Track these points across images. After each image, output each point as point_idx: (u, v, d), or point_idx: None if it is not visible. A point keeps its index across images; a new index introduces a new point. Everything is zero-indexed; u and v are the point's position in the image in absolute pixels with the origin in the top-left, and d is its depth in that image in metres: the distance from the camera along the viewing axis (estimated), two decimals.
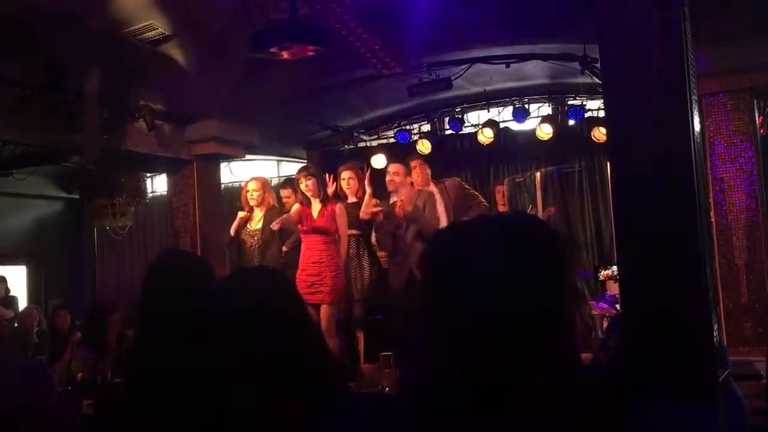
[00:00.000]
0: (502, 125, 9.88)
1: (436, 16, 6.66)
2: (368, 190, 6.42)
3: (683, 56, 3.10)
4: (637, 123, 3.15)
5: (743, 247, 6.86)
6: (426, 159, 7.81)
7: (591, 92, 8.90)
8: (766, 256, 6.86)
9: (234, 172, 11.37)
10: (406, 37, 7.06)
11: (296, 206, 6.25)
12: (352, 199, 6.59)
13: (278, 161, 11.93)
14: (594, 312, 7.84)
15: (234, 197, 10.72)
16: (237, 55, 7.18)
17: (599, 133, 8.75)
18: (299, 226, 6.14)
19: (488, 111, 10.00)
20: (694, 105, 3.17)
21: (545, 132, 9.21)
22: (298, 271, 6.03)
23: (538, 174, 8.93)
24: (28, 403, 2.51)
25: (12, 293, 10.30)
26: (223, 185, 10.31)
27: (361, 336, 6.66)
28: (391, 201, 6.63)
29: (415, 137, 10.16)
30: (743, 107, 6.93)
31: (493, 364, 1.06)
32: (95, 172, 10.62)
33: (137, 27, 6.95)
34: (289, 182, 7.20)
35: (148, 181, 12.16)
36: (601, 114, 8.38)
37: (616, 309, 7.24)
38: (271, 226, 6.23)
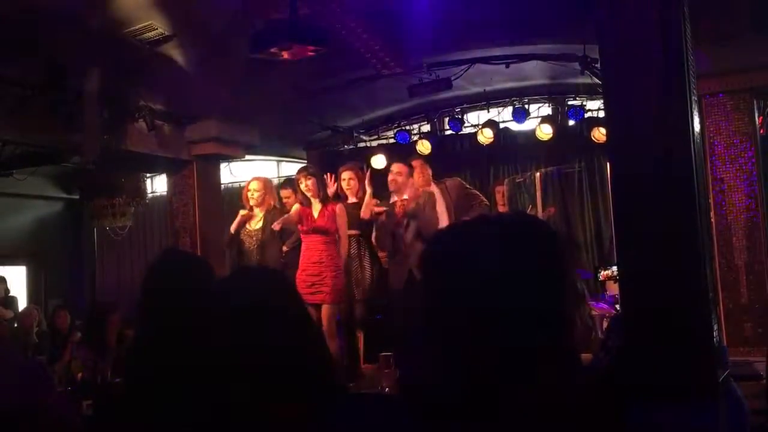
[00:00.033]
0: (501, 125, 9.88)
1: (436, 16, 6.66)
2: (368, 190, 6.42)
3: (683, 56, 3.10)
4: (636, 123, 3.15)
5: (743, 248, 6.86)
6: (426, 159, 7.81)
7: (591, 92, 8.90)
8: (765, 256, 6.86)
9: (234, 173, 11.37)
10: (406, 37, 7.06)
11: (296, 206, 6.25)
12: (352, 200, 6.59)
13: (278, 161, 11.93)
14: (594, 312, 7.84)
15: (234, 197, 10.73)
16: (237, 56, 7.18)
17: (599, 134, 8.75)
18: (299, 226, 6.15)
19: (488, 111, 10.00)
20: (693, 105, 3.17)
21: (545, 132, 9.21)
22: (298, 271, 6.04)
23: (537, 174, 8.94)
24: (28, 404, 2.51)
25: (12, 293, 10.30)
26: (223, 185, 10.31)
27: (360, 336, 6.66)
28: (391, 201, 6.63)
29: (415, 137, 10.16)
30: (743, 107, 6.93)
31: (492, 365, 1.06)
32: (95, 172, 10.63)
33: (137, 27, 6.94)
34: (289, 182, 7.20)
35: (148, 181, 12.17)
36: (601, 114, 8.38)
37: (615, 309, 7.24)
38: (272, 226, 6.23)
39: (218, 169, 9.81)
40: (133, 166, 10.48)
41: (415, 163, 6.90)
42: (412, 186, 6.56)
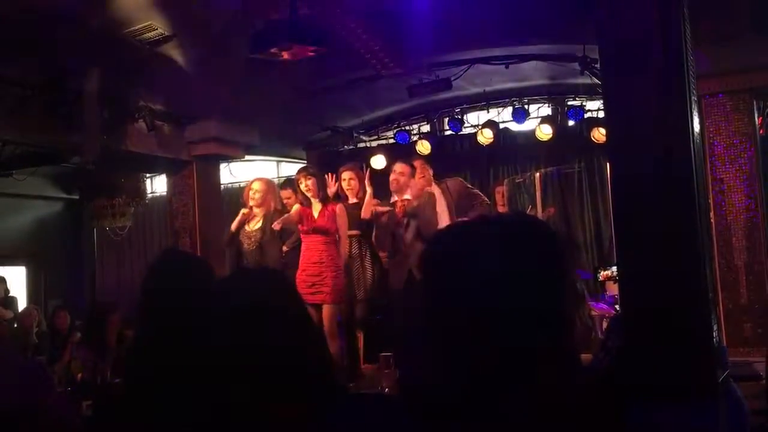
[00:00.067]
0: (501, 126, 9.88)
1: (436, 16, 6.66)
2: (369, 190, 6.42)
3: (683, 57, 3.11)
4: (636, 124, 3.15)
5: (743, 248, 6.86)
6: (426, 159, 7.80)
7: (591, 93, 8.90)
8: (765, 256, 6.86)
9: (234, 173, 11.37)
10: (406, 37, 7.06)
11: (297, 206, 6.25)
12: (353, 200, 6.59)
13: (278, 162, 11.93)
14: (593, 313, 7.84)
15: (234, 198, 10.74)
16: (237, 56, 7.18)
17: (599, 134, 8.75)
18: (300, 226, 6.14)
19: (488, 112, 10.01)
20: (693, 106, 3.18)
21: (545, 133, 9.21)
22: (298, 272, 6.03)
23: (537, 175, 8.94)
24: (28, 404, 2.51)
25: (11, 294, 10.30)
26: (222, 186, 10.31)
27: (360, 336, 6.66)
28: (392, 201, 6.63)
29: (415, 138, 10.16)
30: (743, 108, 6.93)
31: (492, 365, 1.06)
32: (95, 172, 10.64)
33: (137, 27, 6.94)
34: (290, 183, 7.18)
35: (148, 181, 12.17)
36: (601, 115, 8.38)
37: (615, 309, 7.24)
38: (272, 225, 6.22)
39: (218, 170, 9.81)
40: (133, 167, 10.49)
41: (417, 163, 6.90)
42: (415, 186, 6.56)
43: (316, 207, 6.13)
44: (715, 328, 3.12)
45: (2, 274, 10.35)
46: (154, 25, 6.96)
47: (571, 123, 9.60)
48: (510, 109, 9.76)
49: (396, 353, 5.64)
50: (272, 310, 1.50)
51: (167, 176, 9.89)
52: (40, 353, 7.68)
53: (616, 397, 1.18)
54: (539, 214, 8.19)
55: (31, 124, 7.23)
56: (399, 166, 6.65)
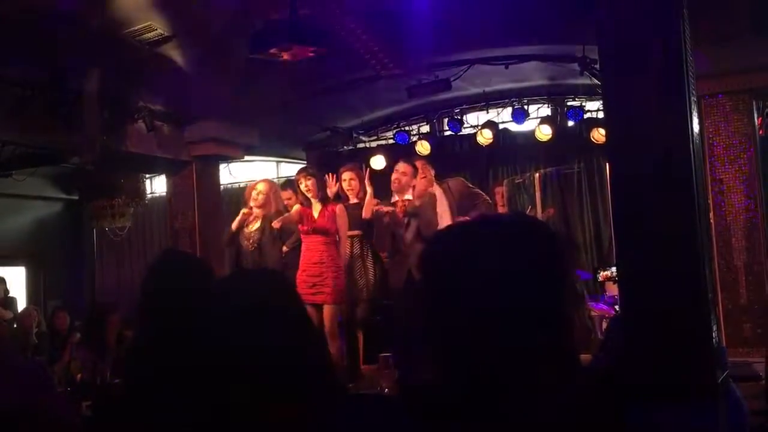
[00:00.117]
0: (501, 126, 9.89)
1: (436, 17, 6.66)
2: (369, 190, 6.41)
3: (682, 57, 3.11)
4: (636, 124, 3.15)
5: (742, 248, 6.86)
6: (427, 160, 7.79)
7: (590, 93, 8.90)
8: (765, 257, 6.86)
9: (233, 173, 11.37)
10: (406, 38, 7.06)
11: (297, 206, 6.25)
12: (353, 200, 6.58)
13: (277, 162, 11.93)
14: (593, 313, 7.85)
15: (233, 198, 10.75)
16: (236, 56, 7.18)
17: (598, 134, 8.75)
18: (300, 226, 6.14)
19: (487, 112, 10.01)
20: (693, 106, 3.18)
21: (544, 133, 9.21)
22: (298, 272, 6.03)
23: (537, 175, 8.94)
24: (28, 404, 2.51)
25: (11, 294, 10.29)
26: (222, 186, 10.31)
27: (360, 337, 6.66)
28: (392, 200, 6.63)
29: (414, 138, 10.16)
30: (742, 108, 6.92)
31: (492, 365, 1.06)
32: (94, 173, 10.63)
33: (136, 28, 6.95)
34: (290, 184, 7.17)
35: (148, 182, 12.17)
36: (600, 115, 8.38)
37: (615, 310, 7.25)
38: (272, 224, 6.22)
39: (217, 170, 9.81)
40: (133, 167, 10.49)
41: (419, 163, 6.89)
42: (418, 186, 6.56)
43: (316, 207, 6.13)
44: (714, 328, 3.12)
45: (2, 275, 10.34)
46: (153, 26, 6.96)
47: (570, 123, 9.60)
48: (509, 109, 9.76)
49: (396, 353, 5.64)
50: (272, 311, 1.50)
51: (167, 177, 9.89)
52: (39, 354, 7.68)
53: (615, 397, 1.18)
54: (539, 214, 8.20)
55: (30, 124, 7.23)
56: (401, 166, 6.65)
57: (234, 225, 6.45)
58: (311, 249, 6.05)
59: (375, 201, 6.46)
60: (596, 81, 7.48)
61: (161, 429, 1.86)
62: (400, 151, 9.17)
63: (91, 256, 12.56)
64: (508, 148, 10.11)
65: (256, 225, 6.38)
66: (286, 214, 6.28)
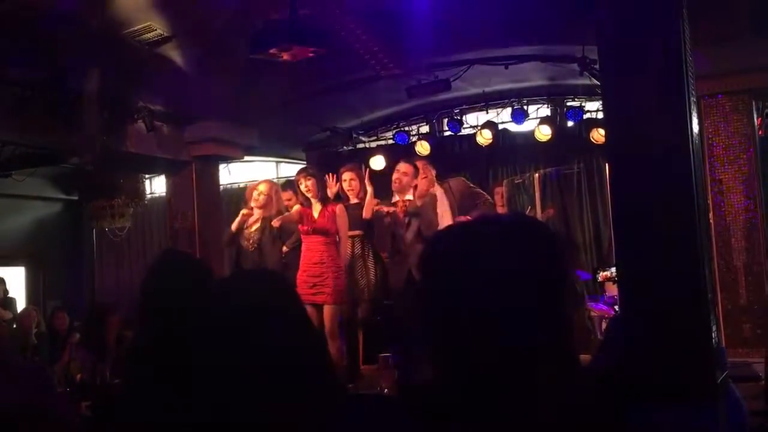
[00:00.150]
0: (500, 126, 9.89)
1: (435, 17, 6.66)
2: (369, 189, 6.42)
3: (682, 57, 3.11)
4: (636, 124, 3.15)
5: (742, 249, 6.86)
6: (428, 160, 7.79)
7: (590, 93, 8.90)
8: (764, 257, 6.86)
9: (233, 174, 11.37)
10: (405, 38, 7.06)
11: (297, 206, 6.25)
12: (354, 200, 6.58)
13: (277, 162, 11.93)
14: (593, 313, 7.85)
15: (233, 198, 10.75)
16: (236, 57, 7.19)
17: (598, 135, 8.75)
18: (300, 226, 6.14)
19: (487, 112, 10.01)
20: (692, 106, 3.18)
21: (544, 133, 9.22)
22: (299, 272, 6.03)
23: (536, 175, 8.94)
24: (28, 404, 2.51)
25: (10, 294, 10.29)
26: (222, 186, 10.31)
27: (360, 337, 6.66)
28: (393, 200, 6.63)
29: (414, 138, 10.17)
30: (742, 109, 6.92)
31: (492, 365, 1.06)
32: (94, 173, 10.63)
33: (136, 28, 6.95)
34: (290, 184, 7.17)
35: (147, 182, 12.17)
36: (600, 115, 8.38)
37: (614, 310, 7.25)
38: (272, 222, 6.22)
39: (217, 170, 9.81)
40: (132, 167, 10.49)
41: (420, 163, 6.89)
42: (420, 186, 6.56)
43: (316, 207, 6.13)
44: (714, 328, 3.12)
45: (1, 275, 10.34)
46: (153, 26, 6.96)
47: (570, 124, 9.60)
48: (509, 109, 9.76)
49: (396, 353, 5.65)
50: (271, 311, 1.50)
51: (166, 177, 9.89)
52: (38, 354, 7.68)
53: (615, 397, 1.18)
54: (538, 214, 8.20)
55: (30, 124, 7.23)
56: (402, 166, 6.65)
57: (234, 226, 6.45)
58: (311, 249, 6.05)
59: (375, 201, 6.47)
60: (596, 81, 7.48)
61: (161, 429, 1.86)
62: (400, 152, 9.17)
63: (90, 256, 12.56)
64: (508, 149, 10.11)
65: (257, 225, 6.38)
66: (286, 214, 6.29)
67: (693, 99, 3.20)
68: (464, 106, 10.14)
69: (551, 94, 9.73)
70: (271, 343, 1.44)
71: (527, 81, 9.26)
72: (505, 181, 8.85)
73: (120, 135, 8.17)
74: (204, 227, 9.19)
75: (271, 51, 5.85)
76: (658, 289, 3.05)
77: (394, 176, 6.61)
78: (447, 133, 10.44)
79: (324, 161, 10.00)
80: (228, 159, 9.98)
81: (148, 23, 6.92)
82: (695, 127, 3.20)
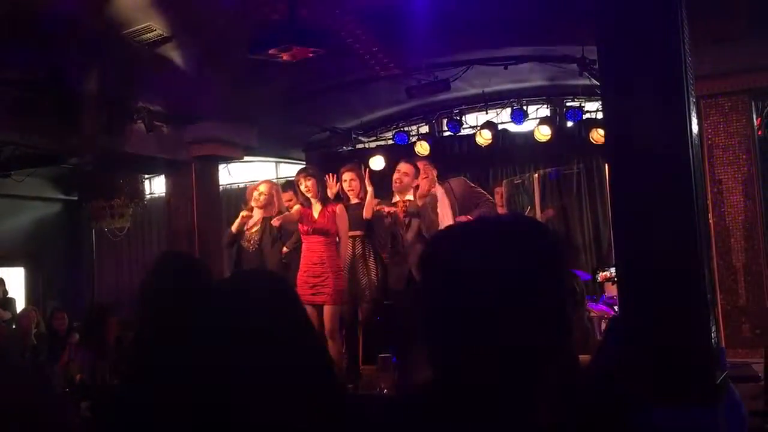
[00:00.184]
0: (500, 127, 9.89)
1: (435, 17, 6.66)
2: (369, 189, 6.41)
3: (682, 58, 3.11)
4: (635, 125, 3.16)
5: (741, 249, 6.87)
6: (429, 160, 7.77)
7: (589, 94, 8.90)
8: (764, 257, 6.87)
9: (232, 174, 11.37)
10: (405, 38, 7.06)
11: (297, 206, 6.25)
12: (354, 200, 6.58)
13: (276, 163, 11.93)
14: (592, 314, 7.85)
15: (232, 199, 10.75)
16: (236, 57, 7.18)
17: (597, 135, 8.75)
18: (300, 226, 6.14)
19: (486, 113, 10.01)
20: (692, 107, 3.18)
21: (543, 134, 9.22)
22: (299, 272, 6.03)
23: (536, 176, 8.94)
24: (27, 405, 2.51)
25: (10, 295, 10.29)
26: (221, 187, 10.31)
27: (360, 337, 6.65)
28: (393, 200, 6.63)
29: (414, 139, 10.17)
30: (741, 109, 6.93)
31: (492, 365, 1.06)
32: (94, 173, 10.64)
33: (136, 28, 6.95)
34: (290, 185, 7.17)
35: (147, 182, 12.16)
36: (600, 116, 8.38)
37: (614, 311, 7.25)
38: (272, 222, 6.23)
39: (217, 171, 9.82)
40: (132, 168, 10.49)
41: (421, 164, 6.88)
42: (422, 186, 6.55)
43: (316, 207, 6.12)
44: (713, 329, 3.12)
45: (1, 275, 10.34)
46: (153, 26, 6.96)
47: (569, 124, 9.60)
48: (509, 110, 9.77)
49: (396, 354, 5.65)
50: (271, 312, 1.50)
51: (166, 177, 9.89)
52: (38, 354, 7.67)
53: (615, 398, 1.19)
54: (538, 215, 8.19)
55: (30, 124, 7.23)
56: (403, 166, 6.65)
57: (234, 227, 6.46)
58: (311, 249, 6.04)
59: (376, 201, 6.47)
60: (595, 81, 7.48)
61: (161, 429, 1.86)
62: (400, 152, 9.17)
63: (90, 256, 12.56)
64: (507, 149, 10.11)
65: (258, 226, 6.39)
66: (286, 213, 6.29)
67: (692, 99, 3.21)
68: (464, 107, 10.14)
69: (551, 95, 9.74)
70: (270, 344, 1.44)
71: (527, 81, 9.27)
72: (504, 182, 8.86)
73: (120, 135, 8.18)
74: (203, 227, 9.20)
75: (271, 51, 5.85)
76: (658, 290, 3.05)
77: (395, 176, 6.61)
78: (446, 134, 10.44)
79: (323, 161, 10.00)
80: (228, 159, 9.99)
81: (148, 23, 6.92)
82: (694, 128, 3.20)
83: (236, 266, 6.62)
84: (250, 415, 1.40)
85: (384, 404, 1.42)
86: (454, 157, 10.19)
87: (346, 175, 6.63)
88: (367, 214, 6.38)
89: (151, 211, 12.04)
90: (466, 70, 8.47)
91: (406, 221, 6.48)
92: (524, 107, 9.63)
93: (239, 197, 10.04)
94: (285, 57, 5.90)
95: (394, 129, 10.50)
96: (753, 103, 7.03)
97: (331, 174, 6.60)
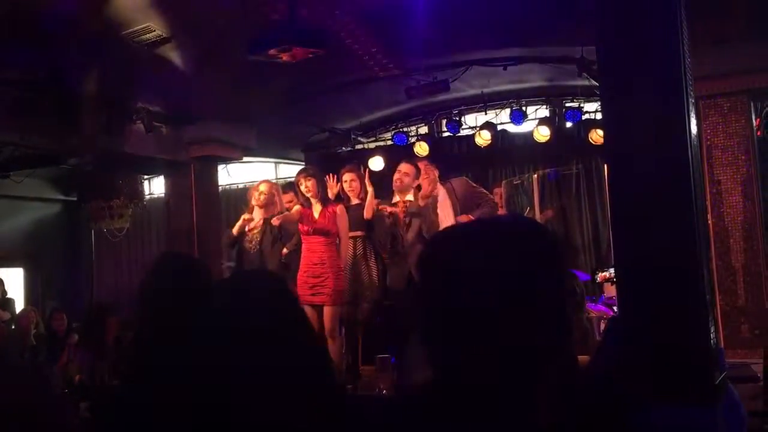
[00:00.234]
0: (499, 127, 9.90)
1: (434, 18, 6.67)
2: (369, 189, 6.42)
3: (681, 59, 3.11)
4: (634, 125, 3.16)
5: (740, 250, 6.87)
6: (430, 161, 7.77)
7: (588, 94, 8.91)
8: (763, 258, 6.87)
9: (231, 174, 11.37)
10: (404, 39, 7.06)
11: (297, 206, 6.25)
12: (355, 201, 6.58)
13: (276, 163, 11.94)
14: (591, 314, 7.85)
15: (232, 199, 10.75)
16: (235, 58, 7.18)
17: (596, 136, 8.76)
18: (300, 226, 6.14)
19: (486, 113, 10.02)
20: (691, 107, 3.18)
21: (543, 134, 9.22)
22: (299, 273, 6.03)
23: (535, 176, 8.95)
24: (26, 406, 2.51)
25: (9, 295, 10.28)
26: (220, 187, 10.31)
27: (360, 338, 6.65)
28: (393, 200, 6.63)
29: (413, 139, 10.17)
30: (740, 110, 6.93)
31: (491, 366, 1.06)
32: (93, 174, 10.63)
33: (136, 29, 6.95)
34: (291, 186, 7.18)
35: (146, 183, 12.16)
36: (599, 116, 8.39)
37: (613, 311, 7.26)
38: (272, 221, 6.23)
39: (216, 171, 9.81)
40: (131, 168, 10.49)
41: (422, 164, 6.89)
42: (424, 187, 6.55)
43: (317, 208, 6.12)
44: (712, 329, 3.12)
45: (0, 276, 10.34)
46: (152, 27, 6.96)
47: (568, 124, 9.61)
48: (508, 110, 9.78)
49: (395, 354, 5.65)
50: (270, 312, 1.50)
51: (165, 178, 9.89)
52: (37, 355, 7.67)
53: (614, 398, 1.19)
54: (537, 215, 8.20)
55: (30, 124, 7.23)
56: (404, 167, 6.65)
57: (235, 230, 6.48)
58: (312, 250, 6.04)
59: (376, 201, 6.47)
60: (594, 82, 7.49)
61: (160, 430, 1.86)
62: (399, 153, 9.18)
63: (89, 257, 12.55)
64: (507, 150, 10.12)
65: (258, 227, 6.40)
66: (287, 213, 6.29)
67: (691, 100, 3.21)
68: (463, 107, 10.15)
69: (550, 95, 9.74)
70: (270, 344, 1.44)
71: (526, 82, 9.28)
72: (503, 182, 8.86)
73: (119, 136, 8.18)
74: (202, 228, 9.20)
75: (271, 52, 5.85)
76: (657, 290, 3.05)
77: (396, 176, 6.61)
78: (446, 134, 10.45)
79: (323, 162, 10.01)
80: (227, 160, 9.99)
81: (148, 24, 6.92)
82: (693, 128, 3.20)
83: (237, 266, 6.63)
84: (250, 416, 1.40)
85: (383, 405, 1.42)
86: (453, 157, 10.19)
87: (347, 176, 6.63)
88: (367, 214, 6.38)
89: (150, 211, 12.04)
90: (465, 70, 8.48)
91: (407, 221, 6.48)
92: (523, 108, 9.64)
93: (238, 198, 10.05)
94: (284, 57, 5.90)
95: (393, 129, 10.51)
96: (752, 104, 7.03)
97: (331, 174, 6.60)
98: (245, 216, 6.45)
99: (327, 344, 5.55)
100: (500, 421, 1.05)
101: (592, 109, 9.24)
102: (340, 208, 6.19)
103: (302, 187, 6.13)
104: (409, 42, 7.08)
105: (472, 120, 10.30)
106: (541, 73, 8.86)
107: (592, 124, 9.01)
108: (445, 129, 10.41)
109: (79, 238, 12.48)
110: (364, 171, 6.77)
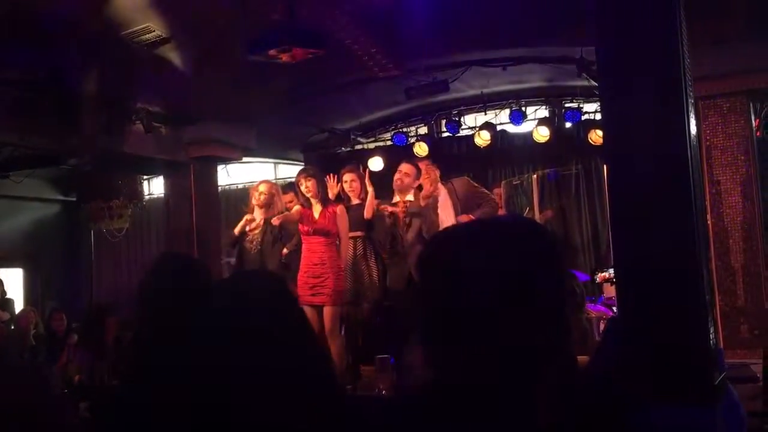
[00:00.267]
0: (499, 128, 9.90)
1: (434, 19, 6.67)
2: (370, 189, 6.42)
3: (680, 59, 3.11)
4: (634, 125, 3.16)
5: (740, 250, 6.87)
6: (431, 161, 7.76)
7: (588, 95, 8.92)
8: (762, 258, 6.87)
9: (231, 175, 11.37)
10: (404, 39, 7.07)
11: (297, 207, 6.25)
12: (355, 201, 6.58)
13: (275, 164, 11.94)
14: (591, 314, 7.85)
15: (231, 200, 10.75)
16: (235, 58, 7.19)
17: (596, 136, 8.76)
18: (300, 226, 6.14)
19: (485, 113, 10.02)
20: (690, 108, 3.18)
21: (542, 134, 9.22)
22: (299, 273, 6.03)
23: (534, 176, 8.95)
24: (25, 406, 2.51)
25: (8, 295, 10.28)
26: (220, 188, 10.31)
27: (360, 338, 6.66)
28: (393, 201, 6.63)
29: (412, 140, 10.17)
30: (739, 110, 6.94)
31: (491, 366, 1.06)
32: (92, 174, 10.63)
33: (135, 29, 6.95)
34: (291, 187, 7.18)
35: (145, 183, 12.16)
36: (598, 116, 8.39)
37: (612, 311, 7.26)
38: (272, 221, 6.23)
39: (215, 171, 9.81)
40: (131, 168, 10.49)
41: (423, 164, 6.88)
42: (425, 186, 6.55)
43: (317, 208, 6.12)
44: (712, 330, 3.12)
45: None
46: (151, 27, 6.97)
47: (568, 125, 9.61)
48: (507, 110, 9.78)
49: (395, 354, 5.65)
50: (270, 313, 1.50)
51: (165, 178, 9.89)
52: (37, 355, 7.67)
53: (613, 398, 1.19)
54: (536, 216, 8.20)
55: (29, 125, 7.23)
56: (405, 167, 6.65)
57: (236, 230, 6.48)
58: (312, 250, 6.04)
59: (377, 201, 6.47)
60: (594, 82, 7.49)
61: (159, 430, 1.86)
62: (398, 153, 9.18)
63: (88, 257, 12.55)
64: (506, 150, 10.12)
65: (259, 227, 6.41)
66: (287, 213, 6.30)
67: (691, 100, 3.21)
68: (462, 107, 10.15)
69: (549, 96, 9.75)
70: (269, 344, 1.44)
71: (525, 82, 9.28)
72: (503, 182, 8.86)
73: (118, 136, 8.18)
74: (202, 228, 9.20)
75: (270, 52, 5.86)
76: (656, 291, 3.05)
77: (396, 176, 6.61)
78: (445, 134, 10.45)
79: (322, 162, 10.01)
80: (226, 160, 9.99)
81: (147, 24, 6.92)
82: (693, 129, 3.20)
83: (237, 266, 6.64)
84: (250, 416, 1.40)
85: (383, 405, 1.42)
86: (452, 157, 10.18)
87: (347, 176, 6.64)
88: (367, 214, 6.38)
89: (149, 211, 12.04)
90: (464, 70, 8.48)
91: (407, 221, 6.48)
92: (523, 108, 9.65)
93: (238, 198, 10.06)
94: (284, 58, 5.91)
95: (392, 130, 10.51)
96: (751, 105, 7.03)
97: (331, 175, 6.60)
98: (248, 216, 6.45)
99: (327, 344, 5.55)
100: (500, 421, 1.05)
101: (591, 109, 9.24)
102: (340, 209, 6.19)
103: (302, 188, 6.14)
104: (409, 42, 7.08)
105: (471, 120, 10.31)
106: (541, 73, 8.86)
107: (592, 124, 9.02)
108: (444, 129, 10.42)
109: (78, 239, 12.48)
110: (364, 171, 6.77)
